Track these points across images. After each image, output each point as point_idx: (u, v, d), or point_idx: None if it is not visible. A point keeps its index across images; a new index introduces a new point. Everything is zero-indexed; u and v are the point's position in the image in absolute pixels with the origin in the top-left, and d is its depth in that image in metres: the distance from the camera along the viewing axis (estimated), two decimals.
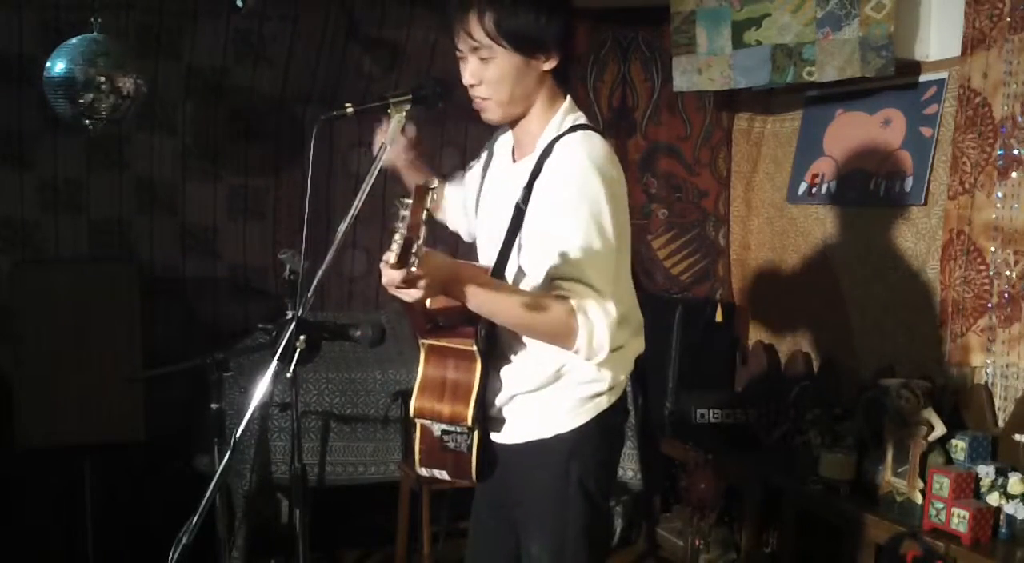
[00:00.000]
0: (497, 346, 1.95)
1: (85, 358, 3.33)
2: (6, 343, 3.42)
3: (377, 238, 4.70)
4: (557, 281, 1.81)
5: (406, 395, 3.71)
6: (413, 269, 1.57)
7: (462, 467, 1.96)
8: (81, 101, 3.17)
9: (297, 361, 1.89)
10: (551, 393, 1.95)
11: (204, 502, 1.71)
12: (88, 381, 3.31)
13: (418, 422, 1.95)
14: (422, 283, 1.64)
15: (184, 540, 1.68)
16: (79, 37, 3.23)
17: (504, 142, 2.11)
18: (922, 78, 3.41)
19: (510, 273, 1.94)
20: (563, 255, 1.80)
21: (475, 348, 1.88)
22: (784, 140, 4.06)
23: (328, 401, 3.66)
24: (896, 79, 3.38)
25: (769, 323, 4.10)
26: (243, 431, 1.80)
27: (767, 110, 4.17)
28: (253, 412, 1.83)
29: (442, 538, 3.68)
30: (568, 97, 1.98)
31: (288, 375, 1.95)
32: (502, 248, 1.94)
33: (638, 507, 4.07)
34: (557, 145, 1.89)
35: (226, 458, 1.78)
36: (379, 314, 4.48)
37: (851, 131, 3.71)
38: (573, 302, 1.79)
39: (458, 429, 1.91)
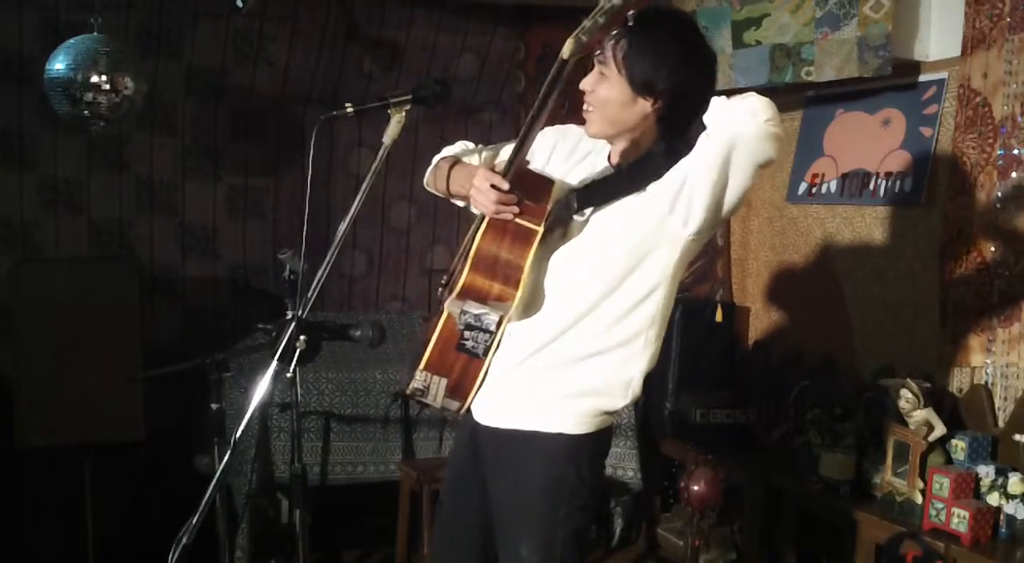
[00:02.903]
0: (534, 323, 1.97)
1: (85, 358, 3.33)
2: (6, 343, 3.42)
3: (377, 238, 4.71)
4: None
5: (406, 395, 3.72)
6: None
7: (467, 377, 1.97)
8: (81, 101, 3.18)
9: (297, 361, 1.89)
10: (574, 387, 1.96)
11: (204, 502, 1.71)
12: (88, 381, 3.31)
13: (446, 311, 1.94)
14: None
15: (184, 540, 1.68)
16: (79, 37, 3.23)
17: (595, 146, 2.11)
18: (922, 78, 3.40)
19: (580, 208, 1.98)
20: None
21: (540, 228, 1.90)
22: (784, 140, 4.06)
23: (328, 401, 3.66)
24: (896, 79, 3.38)
25: (769, 323, 4.10)
26: (243, 431, 1.80)
27: None
28: (253, 412, 1.83)
29: None
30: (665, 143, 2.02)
31: (288, 375, 1.94)
32: (576, 190, 1.99)
33: (638, 507, 4.07)
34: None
35: (226, 458, 1.78)
36: (379, 314, 4.49)
37: (851, 131, 3.71)
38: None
39: (484, 325, 1.91)
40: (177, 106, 4.18)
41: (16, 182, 3.95)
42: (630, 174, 1.96)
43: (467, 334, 1.92)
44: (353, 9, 4.16)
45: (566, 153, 2.12)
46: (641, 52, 1.89)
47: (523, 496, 1.98)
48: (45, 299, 3.34)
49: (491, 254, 1.89)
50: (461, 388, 1.99)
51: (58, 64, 3.17)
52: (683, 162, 1.88)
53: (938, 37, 3.33)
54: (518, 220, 1.89)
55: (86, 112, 3.21)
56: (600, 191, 1.97)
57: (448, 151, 2.26)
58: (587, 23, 1.64)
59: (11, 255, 3.88)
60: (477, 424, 2.06)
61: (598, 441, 2.02)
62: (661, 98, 1.92)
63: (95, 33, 3.25)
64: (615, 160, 2.03)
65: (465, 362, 1.96)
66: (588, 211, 1.97)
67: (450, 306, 1.93)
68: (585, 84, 1.97)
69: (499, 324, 1.93)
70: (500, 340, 1.96)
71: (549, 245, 1.96)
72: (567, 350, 1.97)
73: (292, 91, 4.32)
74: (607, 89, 1.94)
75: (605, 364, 1.97)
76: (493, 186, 1.88)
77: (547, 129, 2.17)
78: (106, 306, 3.40)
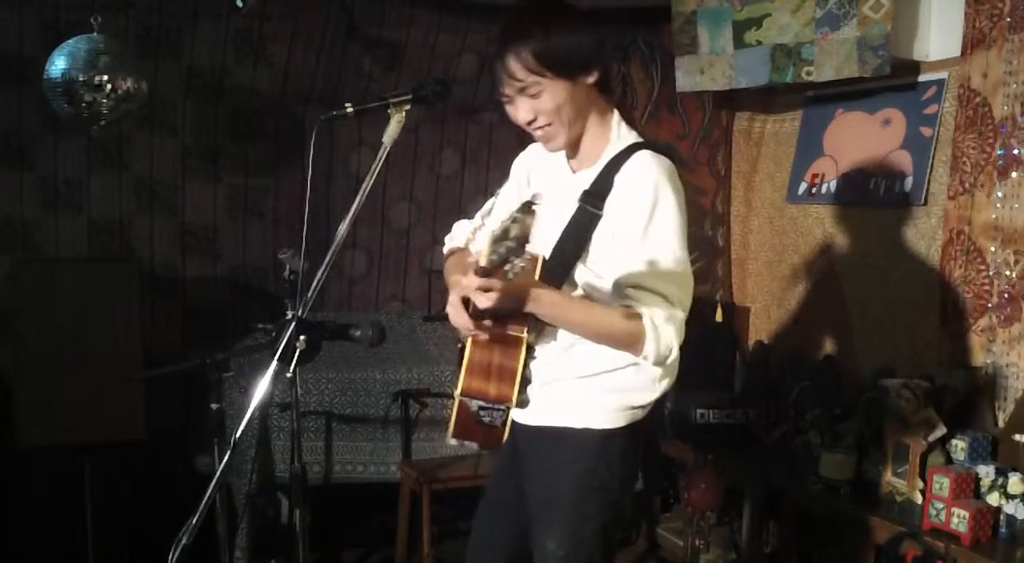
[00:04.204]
0: (556, 330, 1.99)
1: (85, 358, 3.33)
2: (6, 343, 3.42)
3: (377, 238, 4.70)
4: (630, 289, 1.89)
5: (406, 395, 3.72)
6: (496, 281, 1.68)
7: (492, 439, 2.03)
8: (81, 101, 3.17)
9: (297, 361, 1.89)
10: (597, 386, 1.99)
11: (204, 502, 1.70)
12: (88, 381, 3.31)
13: (457, 398, 1.99)
14: (494, 295, 1.72)
15: (184, 540, 1.68)
16: (79, 37, 3.23)
17: (550, 155, 2.12)
18: (922, 78, 3.41)
19: (568, 266, 1.98)
20: (640, 267, 1.89)
21: (525, 335, 1.93)
22: (784, 140, 4.06)
23: (328, 401, 3.66)
24: (896, 79, 3.38)
25: (769, 323, 4.10)
26: (243, 431, 1.80)
27: (767, 110, 4.17)
28: (253, 412, 1.83)
29: (443, 538, 3.68)
30: (616, 110, 2.04)
31: (288, 375, 1.94)
32: (561, 244, 1.98)
33: (638, 507, 4.08)
34: (630, 164, 1.95)
35: (226, 458, 1.78)
36: (379, 314, 4.49)
37: (851, 131, 3.71)
38: (642, 310, 1.86)
39: (497, 407, 1.97)
40: (177, 106, 4.17)
41: (16, 182, 3.95)
42: (584, 206, 1.95)
43: (482, 413, 1.99)
44: (353, 9, 4.15)
45: (528, 176, 2.15)
46: (548, 44, 1.87)
47: (552, 491, 2.01)
48: (45, 299, 3.34)
49: (484, 361, 1.95)
50: (491, 442, 2.06)
51: (58, 64, 3.16)
52: (622, 223, 1.91)
53: (938, 37, 3.33)
54: (503, 331, 1.93)
55: (86, 112, 3.20)
56: (573, 240, 1.96)
57: (451, 238, 2.30)
58: (494, 255, 1.63)
59: (11, 255, 3.88)
60: (515, 421, 2.08)
61: (629, 436, 2.03)
62: (595, 66, 1.93)
63: (95, 33, 3.24)
64: (570, 154, 2.06)
65: (487, 429, 2.02)
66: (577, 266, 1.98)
67: (458, 396, 1.98)
68: (525, 115, 1.95)
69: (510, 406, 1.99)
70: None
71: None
72: (593, 353, 1.98)
73: (292, 91, 4.31)
74: (551, 98, 1.92)
75: (631, 362, 1.98)
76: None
77: (525, 154, 2.21)
78: (106, 306, 3.40)
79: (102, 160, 4.08)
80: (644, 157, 1.95)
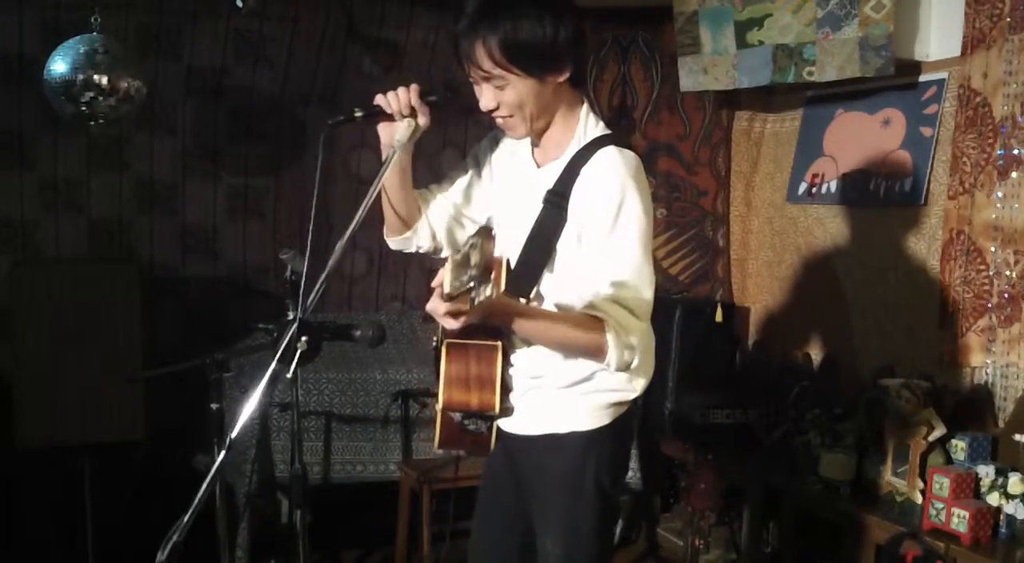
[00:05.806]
0: (527, 341, 1.98)
1: (85, 358, 3.32)
2: (6, 343, 3.42)
3: (377, 239, 4.70)
4: (592, 297, 1.85)
5: (406, 395, 3.72)
6: (463, 305, 1.62)
7: (480, 446, 2.03)
8: (81, 101, 3.17)
9: (298, 362, 1.89)
10: (578, 392, 1.98)
11: (196, 500, 1.68)
12: (88, 381, 3.31)
13: (439, 412, 1.99)
14: (464, 318, 1.67)
15: (175, 538, 1.66)
16: (79, 37, 3.23)
17: (519, 145, 2.10)
18: (922, 78, 3.41)
19: (536, 273, 1.96)
20: (603, 273, 1.85)
21: (499, 343, 1.93)
22: (784, 140, 4.06)
23: (328, 401, 3.66)
24: (896, 79, 3.38)
25: (769, 323, 4.10)
26: (243, 431, 1.79)
27: (767, 110, 4.17)
28: (251, 412, 1.82)
29: (447, 538, 3.67)
30: (585, 102, 2.00)
31: (288, 375, 1.94)
32: (527, 249, 1.95)
33: (638, 507, 4.08)
34: (595, 161, 1.89)
35: (220, 458, 1.77)
36: (379, 314, 4.49)
37: (851, 131, 3.71)
38: (607, 320, 1.82)
39: (480, 416, 1.97)
40: (177, 106, 4.17)
41: (16, 182, 3.95)
42: (549, 206, 1.93)
43: (467, 422, 1.99)
44: (353, 9, 4.16)
45: (494, 164, 2.15)
46: (517, 38, 1.79)
47: (547, 493, 2.01)
48: (45, 299, 3.34)
49: (461, 373, 1.95)
50: (479, 449, 2.06)
51: (58, 64, 3.16)
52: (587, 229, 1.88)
53: (938, 37, 3.33)
54: (477, 340, 1.92)
55: (86, 112, 3.20)
56: (540, 246, 1.93)
57: None
58: (457, 281, 1.59)
59: (11, 255, 3.88)
60: (503, 430, 2.08)
61: (615, 433, 2.01)
62: (565, 63, 1.86)
63: (95, 33, 3.24)
64: (535, 144, 2.03)
65: (474, 437, 2.02)
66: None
67: (440, 410, 1.99)
68: (487, 103, 1.90)
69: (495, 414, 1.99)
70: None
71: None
72: (567, 361, 1.97)
73: (292, 91, 4.31)
74: (514, 93, 1.86)
75: (601, 366, 1.96)
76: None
77: (494, 138, 2.20)
78: (106, 306, 3.39)
79: (102, 160, 4.08)
80: (610, 153, 1.88)
